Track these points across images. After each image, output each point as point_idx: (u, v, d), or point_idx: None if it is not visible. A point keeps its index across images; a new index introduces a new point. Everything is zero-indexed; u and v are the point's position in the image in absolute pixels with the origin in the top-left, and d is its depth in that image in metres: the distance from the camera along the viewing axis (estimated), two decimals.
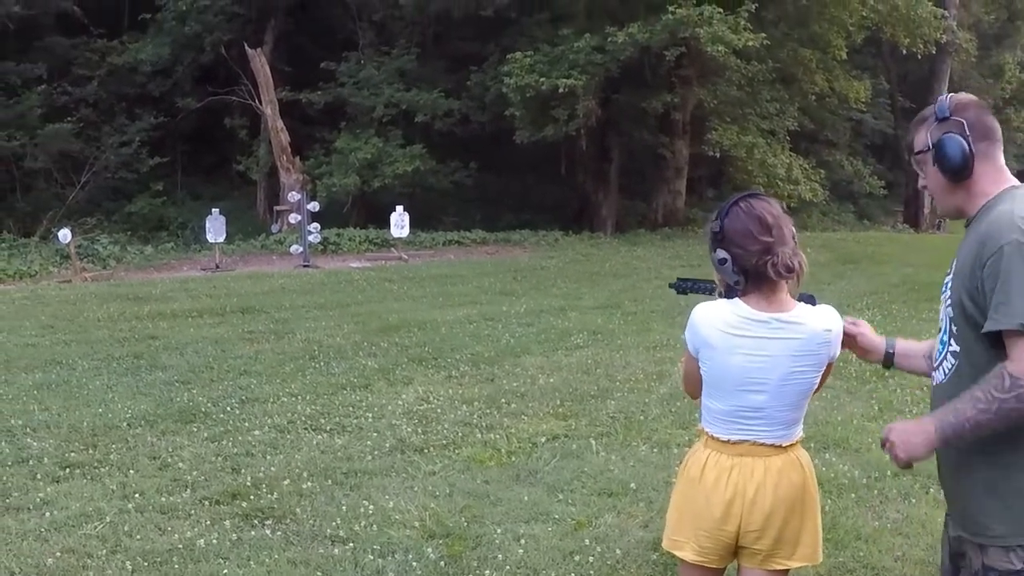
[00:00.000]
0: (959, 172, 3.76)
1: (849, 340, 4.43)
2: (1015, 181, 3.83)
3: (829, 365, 4.32)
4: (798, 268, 4.12)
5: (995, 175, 3.82)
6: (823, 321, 4.22)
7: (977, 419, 3.45)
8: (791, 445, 4.34)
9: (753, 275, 4.16)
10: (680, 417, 10.31)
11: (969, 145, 3.73)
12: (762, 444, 4.28)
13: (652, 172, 39.80)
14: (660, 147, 37.35)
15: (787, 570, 4.40)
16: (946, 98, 3.95)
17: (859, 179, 48.62)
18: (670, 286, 5.07)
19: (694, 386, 4.48)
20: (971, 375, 3.60)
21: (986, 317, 3.51)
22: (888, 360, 4.47)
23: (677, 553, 4.47)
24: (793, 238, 4.20)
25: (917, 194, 48.97)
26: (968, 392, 3.51)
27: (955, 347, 3.77)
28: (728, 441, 4.31)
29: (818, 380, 4.31)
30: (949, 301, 3.81)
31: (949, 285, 3.82)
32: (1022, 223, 3.50)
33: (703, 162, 39.82)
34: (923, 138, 3.90)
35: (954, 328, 3.76)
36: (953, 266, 3.81)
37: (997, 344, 3.50)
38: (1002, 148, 3.92)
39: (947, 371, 3.83)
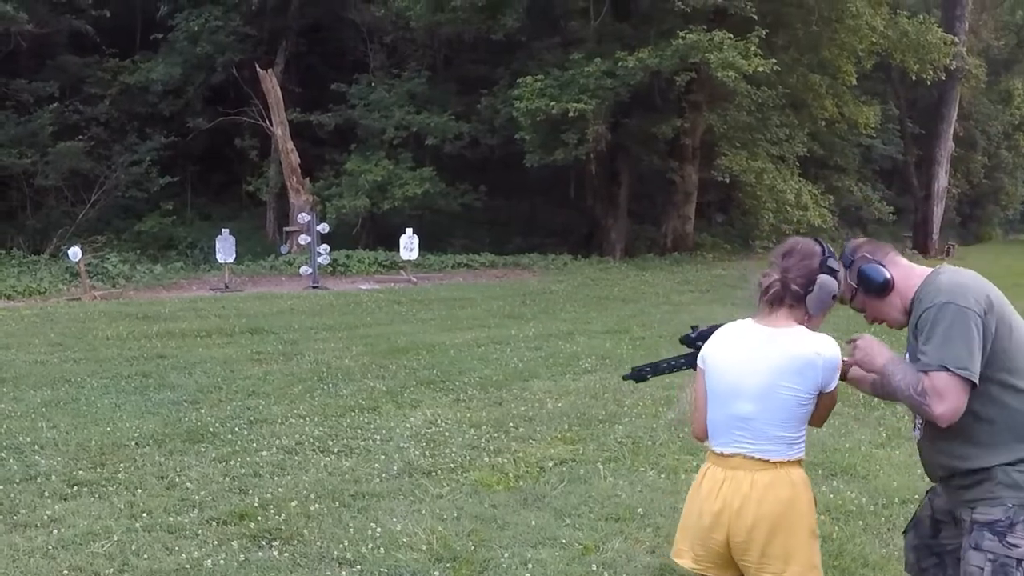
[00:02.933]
0: (884, 285, 4.60)
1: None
2: (931, 269, 4.65)
3: (825, 396, 4.49)
4: (767, 286, 4.53)
5: (909, 272, 4.64)
6: (813, 345, 4.44)
7: (897, 385, 4.36)
8: (782, 463, 4.45)
9: (754, 290, 4.61)
10: (688, 443, 10.28)
11: (879, 263, 4.63)
12: (751, 458, 4.47)
13: (661, 197, 39.92)
14: (669, 172, 37.48)
15: None
16: (846, 248, 4.83)
17: (868, 205, 48.71)
18: (625, 378, 5.53)
19: (700, 413, 4.70)
20: (933, 427, 4.43)
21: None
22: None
23: (678, 561, 4.72)
24: (808, 277, 4.51)
25: (926, 220, 49.11)
26: (911, 368, 4.36)
27: None
28: (722, 454, 4.56)
29: (811, 404, 4.46)
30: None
31: (907, 359, 4.58)
32: (949, 287, 4.38)
33: (712, 187, 39.93)
34: (847, 285, 4.71)
35: None
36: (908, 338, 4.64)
37: None
38: (899, 253, 4.80)
39: (919, 426, 4.71)
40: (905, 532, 5.13)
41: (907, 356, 4.59)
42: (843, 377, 4.64)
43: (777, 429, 4.43)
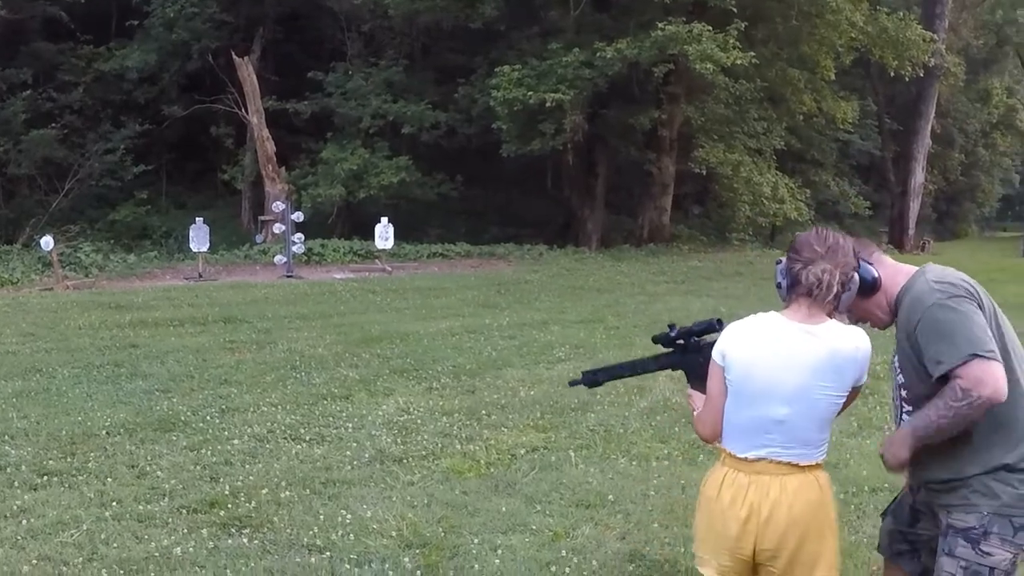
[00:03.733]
0: (873, 284, 4.60)
1: None
2: (915, 268, 4.66)
3: (855, 390, 4.40)
4: (825, 285, 4.28)
5: (895, 270, 4.68)
6: (852, 339, 4.31)
7: (939, 423, 4.26)
8: (810, 466, 4.34)
9: (792, 282, 4.34)
10: (660, 431, 10.32)
11: (867, 261, 4.61)
12: (778, 462, 4.32)
13: (638, 188, 39.95)
14: (647, 163, 37.51)
15: None
16: None
17: (845, 199, 48.85)
18: (571, 384, 5.46)
19: (715, 413, 4.52)
20: None
21: (928, 372, 4.34)
22: None
23: (701, 569, 4.57)
24: (846, 274, 4.36)
25: (902, 216, 49.27)
26: (931, 403, 4.30)
27: (909, 409, 4.61)
28: (745, 458, 4.38)
29: (842, 401, 4.36)
30: (899, 372, 4.66)
31: (896, 361, 4.68)
32: (938, 287, 4.38)
33: (689, 179, 39.95)
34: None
35: (904, 394, 4.66)
36: (896, 346, 4.65)
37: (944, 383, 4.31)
38: (881, 250, 4.83)
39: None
40: (883, 515, 5.17)
41: (895, 360, 4.66)
42: (894, 467, 4.58)
43: (809, 432, 4.32)
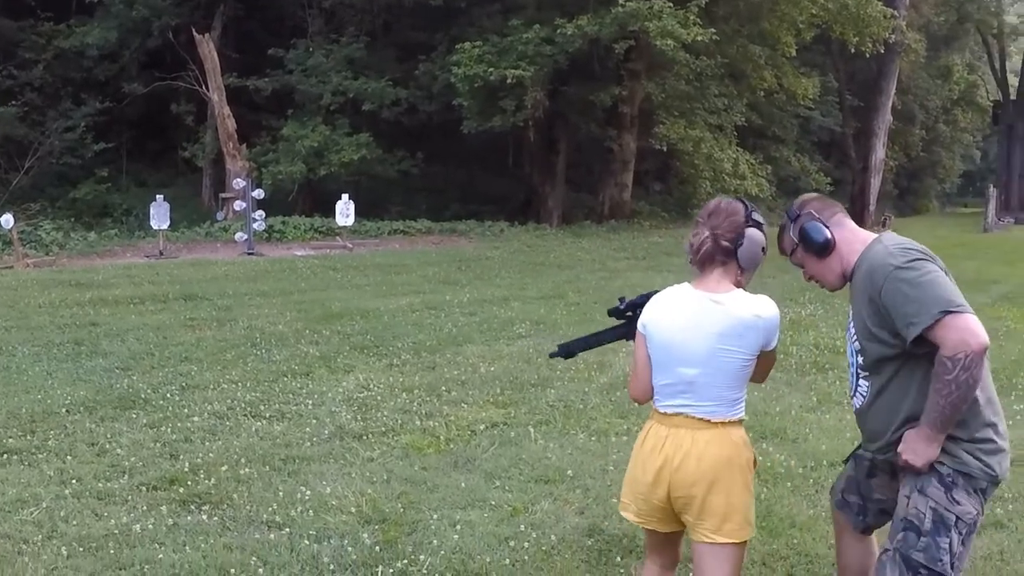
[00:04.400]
0: (825, 247, 4.71)
1: None
2: (874, 235, 4.77)
3: (766, 354, 4.62)
4: (696, 246, 4.61)
5: (854, 236, 4.75)
6: (752, 307, 4.53)
7: (950, 402, 4.26)
8: (724, 423, 4.58)
9: (687, 250, 4.68)
10: (619, 406, 10.37)
11: (824, 223, 4.73)
12: (692, 417, 4.60)
13: (599, 165, 39.98)
14: (607, 140, 37.54)
15: (727, 546, 4.59)
16: (792, 204, 4.96)
17: (806, 175, 48.99)
18: (552, 356, 5.61)
19: (640, 378, 4.79)
20: (889, 393, 4.62)
21: (896, 335, 4.43)
22: None
23: (622, 513, 4.91)
24: (735, 231, 4.57)
25: (863, 191, 49.44)
26: (930, 393, 4.32)
27: (866, 374, 4.74)
28: (666, 413, 4.68)
29: (750, 364, 4.58)
30: (855, 339, 4.74)
31: (852, 328, 4.76)
32: (897, 251, 4.46)
33: (650, 155, 40.01)
34: (788, 239, 4.88)
35: (861, 360, 4.74)
36: (851, 313, 4.76)
37: (920, 353, 4.39)
38: (847, 215, 4.89)
39: (864, 395, 4.80)
40: (845, 461, 5.28)
41: (851, 325, 4.79)
42: (911, 467, 4.57)
43: (720, 390, 4.57)
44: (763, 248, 4.58)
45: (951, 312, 4.20)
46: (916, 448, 4.45)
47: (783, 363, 12.43)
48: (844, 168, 56.54)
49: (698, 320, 4.53)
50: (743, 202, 4.63)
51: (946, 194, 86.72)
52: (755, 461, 4.75)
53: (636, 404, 5.18)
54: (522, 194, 40.47)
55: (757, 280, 4.70)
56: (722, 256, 4.54)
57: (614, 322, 5.17)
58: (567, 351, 5.43)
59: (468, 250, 28.37)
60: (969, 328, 4.18)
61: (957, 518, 4.42)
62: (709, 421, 4.57)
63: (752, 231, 4.53)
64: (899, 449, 4.54)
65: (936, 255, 4.53)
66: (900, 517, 4.57)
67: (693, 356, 4.54)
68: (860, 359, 4.74)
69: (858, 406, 4.87)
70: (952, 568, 4.45)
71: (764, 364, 4.68)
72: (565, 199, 38.93)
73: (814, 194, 5.05)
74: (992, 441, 4.50)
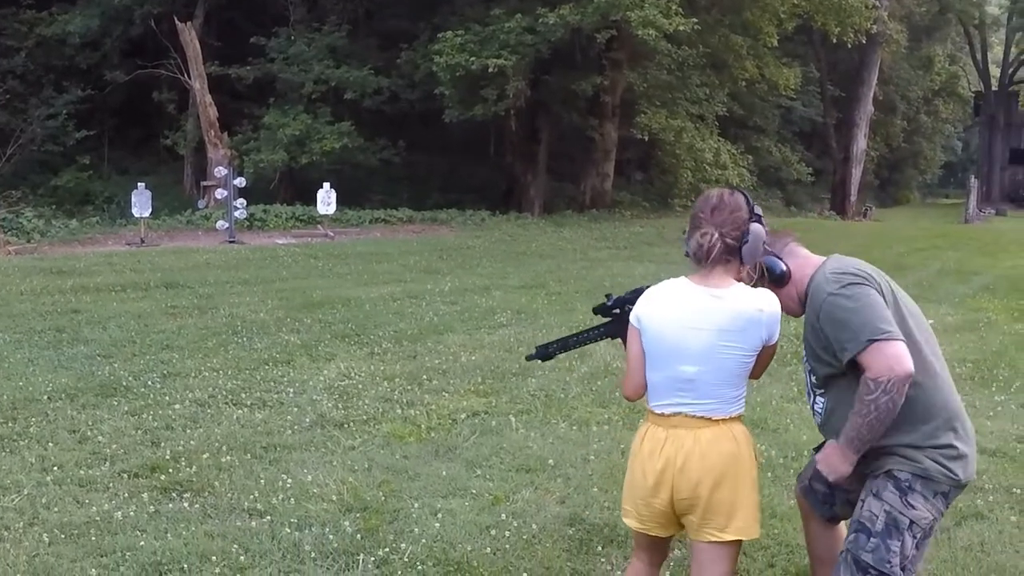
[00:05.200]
0: (781, 277, 4.81)
1: None
2: (823, 257, 4.86)
3: (767, 348, 4.56)
4: (706, 249, 4.45)
5: (805, 262, 4.86)
6: (755, 301, 4.46)
7: (868, 423, 4.41)
8: (724, 419, 4.53)
9: (690, 251, 4.54)
10: (600, 396, 10.40)
11: (777, 256, 4.82)
12: (693, 416, 4.52)
13: (581, 154, 39.97)
14: (589, 129, 37.55)
15: (730, 544, 4.59)
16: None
17: (787, 165, 49.16)
18: (528, 358, 5.60)
19: (634, 376, 4.72)
20: (841, 408, 4.65)
21: (838, 358, 4.53)
22: None
23: (625, 520, 4.85)
24: (738, 228, 4.49)
25: (844, 182, 49.59)
26: (851, 413, 4.47)
27: (821, 391, 4.88)
28: (663, 414, 4.59)
29: (751, 360, 4.52)
30: (807, 363, 4.93)
31: (805, 354, 4.94)
32: (832, 277, 4.59)
33: (632, 145, 40.03)
34: (749, 273, 4.76)
35: (814, 379, 4.92)
36: (804, 335, 4.86)
37: (855, 370, 4.49)
38: (799, 242, 4.98)
39: (820, 412, 4.95)
40: (816, 449, 5.22)
41: (804, 351, 4.94)
42: (837, 481, 4.71)
43: (720, 387, 4.50)
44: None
45: (878, 340, 4.33)
46: (831, 462, 4.62)
47: None
48: (825, 158, 56.70)
49: (699, 316, 4.46)
50: (744, 195, 4.57)
51: (927, 185, 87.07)
52: (757, 458, 4.72)
53: (627, 400, 5.06)
54: (504, 183, 40.46)
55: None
56: (727, 254, 4.46)
57: (598, 321, 5.14)
58: (544, 353, 5.41)
59: (449, 239, 28.38)
60: (895, 355, 4.32)
61: (911, 522, 4.51)
62: (710, 419, 4.51)
63: (755, 226, 4.48)
64: (816, 458, 4.79)
65: (879, 272, 4.66)
66: (854, 519, 4.69)
67: (693, 353, 4.47)
68: (812, 377, 4.93)
69: (818, 422, 5.03)
70: (903, 570, 4.53)
71: (764, 358, 4.61)
72: (547, 188, 38.96)
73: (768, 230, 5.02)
74: (953, 447, 4.58)
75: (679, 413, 4.54)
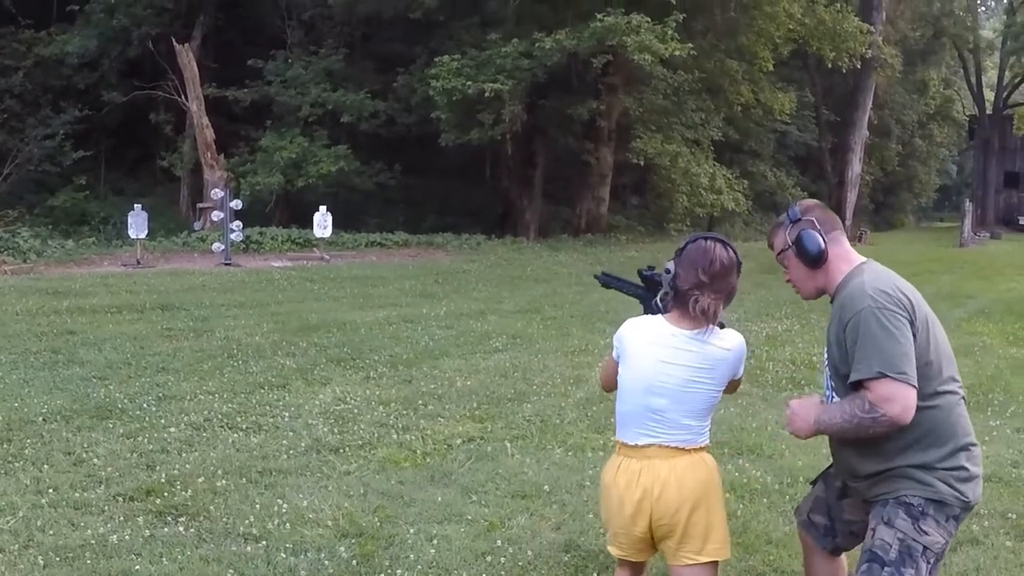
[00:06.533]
0: (817, 259, 4.69)
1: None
2: (862, 259, 4.76)
3: (733, 382, 4.85)
4: (711, 314, 4.65)
5: (845, 256, 4.75)
6: (722, 341, 4.76)
7: (842, 425, 4.45)
8: (695, 449, 4.74)
9: (680, 298, 4.72)
10: (595, 421, 10.40)
11: (822, 236, 4.69)
12: (666, 447, 4.73)
13: (576, 178, 40.00)
14: (585, 154, 37.62)
15: (707, 565, 4.75)
16: (795, 204, 4.91)
17: (782, 190, 49.23)
18: (596, 277, 5.74)
19: (608, 379, 5.04)
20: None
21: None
22: None
23: (609, 548, 5.06)
24: (730, 295, 4.74)
25: (839, 206, 49.57)
26: (843, 402, 4.48)
27: (836, 398, 4.69)
28: (636, 445, 4.79)
29: (718, 395, 4.78)
30: (827, 365, 4.76)
31: (825, 354, 4.77)
32: (872, 292, 4.43)
33: (627, 170, 40.09)
34: (782, 239, 4.84)
35: (833, 384, 4.75)
36: (827, 338, 4.70)
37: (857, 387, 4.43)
38: (845, 234, 4.87)
39: None
40: (813, 482, 5.31)
41: (826, 353, 4.77)
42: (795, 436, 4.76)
43: (689, 419, 4.74)
44: (815, 220, 4.72)
45: (891, 377, 4.27)
46: (797, 419, 4.64)
47: (759, 379, 12.55)
48: (820, 182, 56.70)
49: (674, 354, 4.68)
50: (732, 249, 4.78)
51: (922, 208, 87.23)
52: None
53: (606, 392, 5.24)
54: (499, 207, 40.51)
55: (736, 295, 4.80)
56: (717, 315, 4.70)
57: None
58: (606, 281, 5.67)
59: (445, 263, 28.38)
60: (901, 398, 4.27)
61: (924, 548, 4.45)
62: (683, 449, 4.72)
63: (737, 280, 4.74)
64: (790, 403, 4.72)
65: (913, 290, 4.61)
66: (866, 548, 4.61)
67: (663, 389, 4.69)
68: (832, 382, 4.78)
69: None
70: None
71: (730, 389, 4.88)
72: (542, 212, 39.00)
73: (817, 202, 5.04)
74: (964, 468, 4.52)
75: (652, 444, 4.74)
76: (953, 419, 4.55)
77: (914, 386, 4.30)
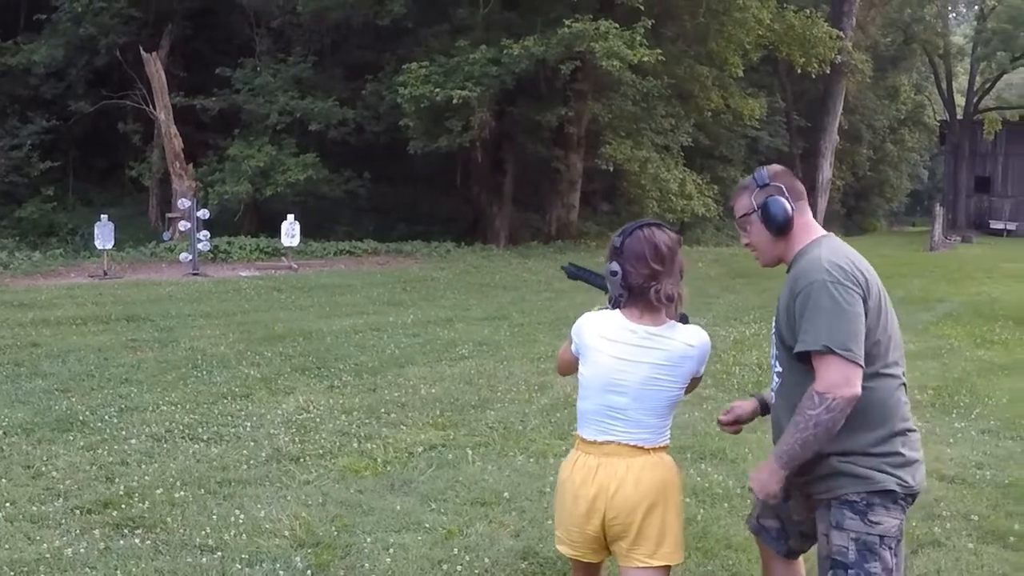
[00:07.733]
0: (784, 227, 4.66)
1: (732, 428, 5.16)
2: (823, 232, 4.76)
3: (694, 380, 4.75)
4: (676, 298, 4.61)
5: (806, 227, 4.73)
6: (687, 337, 4.66)
7: (803, 438, 4.34)
8: (654, 448, 4.66)
9: (636, 293, 4.63)
10: (559, 428, 10.40)
11: (790, 204, 4.65)
12: (625, 445, 4.65)
13: (546, 185, 39.99)
14: (554, 160, 37.55)
15: (659, 569, 4.68)
16: (762, 168, 4.83)
17: None
18: (563, 267, 5.59)
19: (565, 366, 5.05)
20: (790, 389, 4.60)
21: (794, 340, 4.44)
22: (764, 408, 5.13)
23: (558, 547, 4.96)
24: (680, 272, 4.68)
25: (811, 210, 49.60)
26: (790, 422, 4.41)
27: (779, 368, 4.75)
28: (595, 441, 4.71)
29: (680, 393, 4.69)
30: (774, 334, 4.75)
31: (774, 324, 4.75)
32: (828, 265, 4.42)
33: (597, 176, 40.12)
34: (747, 202, 4.78)
35: (776, 352, 4.76)
36: (776, 307, 4.71)
37: (807, 362, 4.40)
38: (808, 205, 4.83)
39: (774, 388, 4.84)
40: None
41: (773, 323, 4.77)
42: (766, 498, 4.69)
43: (650, 417, 4.66)
44: (782, 186, 4.72)
45: (838, 354, 4.26)
46: (761, 479, 4.55)
47: (725, 383, 12.60)
48: None
49: (635, 351, 4.61)
50: (669, 228, 4.74)
51: (893, 213, 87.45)
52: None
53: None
54: (469, 214, 40.51)
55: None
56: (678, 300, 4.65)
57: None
58: (573, 273, 5.47)
59: (414, 271, 28.35)
60: (847, 376, 4.26)
61: (881, 537, 4.44)
62: (642, 448, 4.64)
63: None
64: (750, 476, 4.67)
65: (869, 267, 4.59)
66: (823, 556, 4.62)
67: (626, 386, 4.62)
68: (776, 351, 4.77)
69: (771, 399, 4.96)
70: None
71: (689, 388, 4.79)
72: (512, 219, 38.94)
73: (785, 168, 4.96)
74: (900, 454, 4.51)
75: (612, 441, 4.66)
76: (892, 403, 4.54)
77: (860, 365, 4.29)
